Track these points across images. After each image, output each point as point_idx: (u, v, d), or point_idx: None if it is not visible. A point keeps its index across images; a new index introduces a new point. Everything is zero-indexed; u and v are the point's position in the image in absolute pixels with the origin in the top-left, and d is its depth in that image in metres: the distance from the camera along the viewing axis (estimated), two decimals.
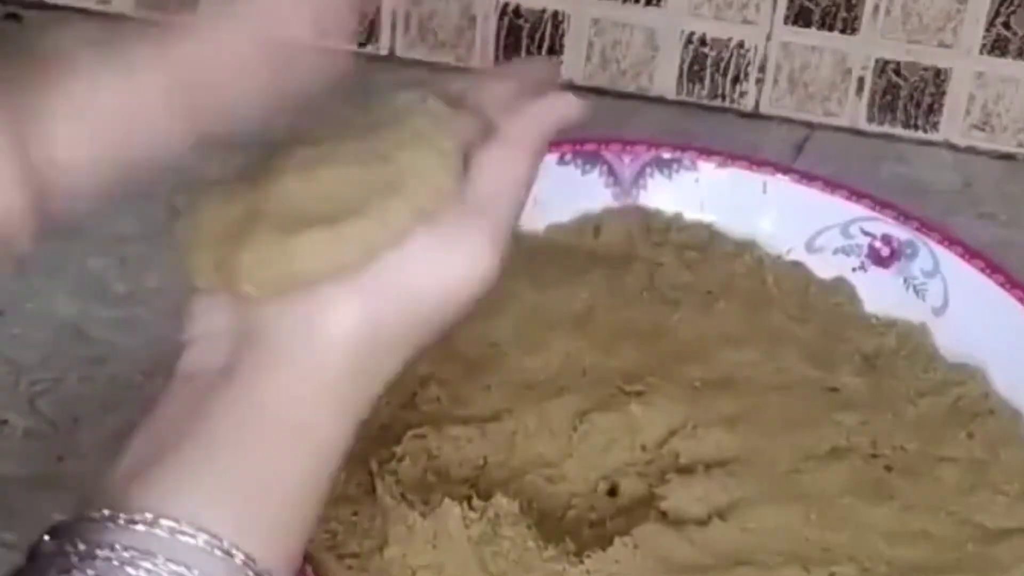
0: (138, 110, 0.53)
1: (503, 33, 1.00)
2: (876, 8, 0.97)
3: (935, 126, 0.99)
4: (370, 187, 0.55)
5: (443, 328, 0.55)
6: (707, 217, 0.86)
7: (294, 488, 0.52)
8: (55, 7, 1.03)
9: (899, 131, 1.00)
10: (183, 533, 0.49)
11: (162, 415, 0.53)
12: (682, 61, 1.00)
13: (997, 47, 0.97)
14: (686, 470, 0.72)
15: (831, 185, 0.85)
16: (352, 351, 0.53)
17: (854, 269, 0.84)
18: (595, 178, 0.86)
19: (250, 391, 0.52)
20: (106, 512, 0.49)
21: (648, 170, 0.86)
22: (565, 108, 0.59)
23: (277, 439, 0.52)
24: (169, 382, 0.54)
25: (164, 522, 0.49)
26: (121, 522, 0.49)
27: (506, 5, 1.00)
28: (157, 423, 0.53)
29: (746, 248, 0.85)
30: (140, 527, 0.49)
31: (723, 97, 1.01)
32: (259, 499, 0.51)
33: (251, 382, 0.52)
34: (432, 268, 0.54)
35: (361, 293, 0.53)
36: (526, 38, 1.01)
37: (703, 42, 0.99)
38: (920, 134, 1.00)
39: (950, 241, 0.82)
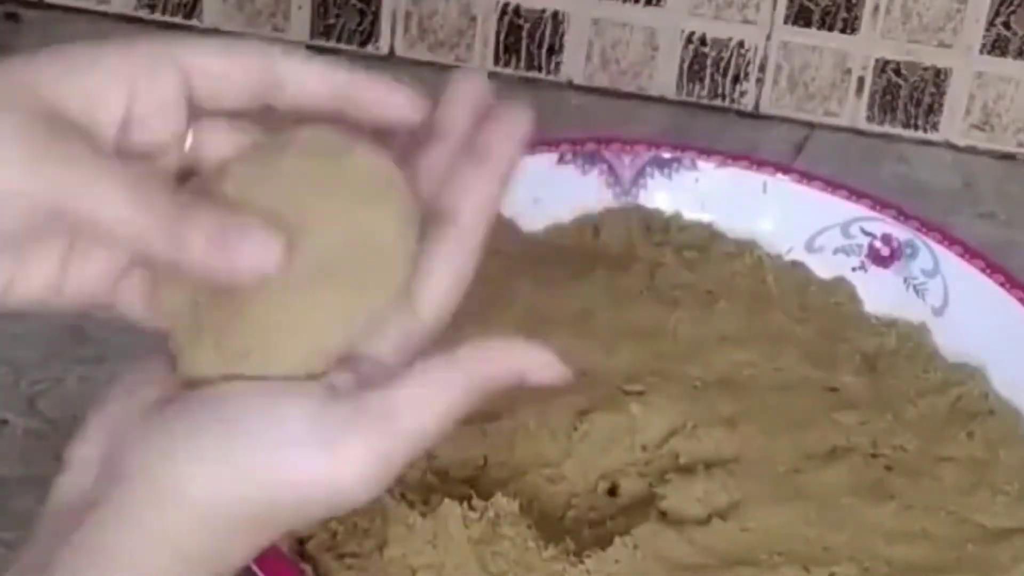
0: None
1: (503, 33, 1.00)
2: (876, 8, 0.97)
3: (935, 126, 1.00)
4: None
5: (302, 520, 0.51)
6: (707, 217, 0.86)
7: None
8: (55, 7, 1.03)
9: (899, 131, 1.00)
10: None
11: (32, 550, 0.50)
12: (682, 61, 1.00)
13: (997, 47, 0.97)
14: (686, 470, 0.72)
15: (831, 185, 0.85)
16: (207, 521, 0.49)
17: (854, 269, 0.84)
18: (595, 178, 0.86)
19: (102, 533, 0.49)
20: None
21: (648, 170, 0.86)
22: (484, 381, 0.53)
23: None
24: (43, 512, 0.51)
25: None
26: None
27: (506, 5, 1.00)
28: (27, 560, 0.50)
29: (746, 248, 0.85)
30: None
31: (723, 97, 1.01)
32: None
33: (103, 524, 0.49)
34: (297, 466, 0.49)
35: (223, 466, 0.49)
36: (526, 38, 1.01)
37: (703, 42, 0.99)
38: (920, 134, 1.00)
39: (950, 241, 0.82)
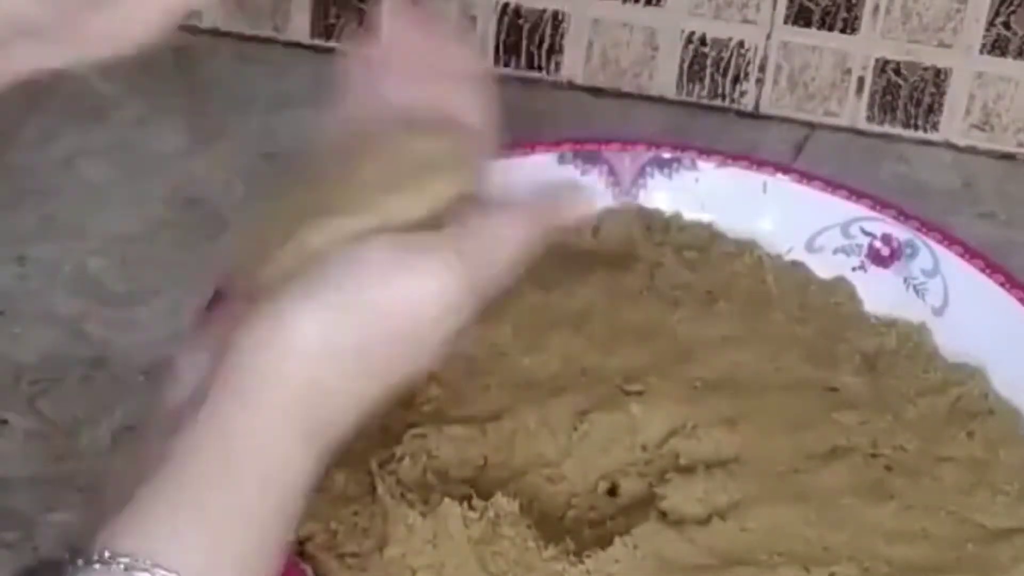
0: None
1: (503, 33, 1.00)
2: (876, 8, 0.97)
3: (935, 126, 1.00)
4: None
5: (408, 357, 0.54)
6: (707, 217, 0.86)
7: (259, 518, 0.52)
8: None
9: (899, 131, 1.00)
10: (139, 570, 0.49)
11: (146, 455, 0.53)
12: (682, 61, 1.00)
13: (997, 47, 0.97)
14: (686, 470, 0.72)
15: (831, 185, 0.85)
16: (313, 376, 0.52)
17: (854, 269, 0.84)
18: (595, 178, 0.86)
19: (212, 425, 0.51)
20: (66, 555, 0.50)
21: (648, 170, 0.86)
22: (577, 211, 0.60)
23: (239, 471, 0.51)
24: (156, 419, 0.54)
25: (121, 560, 0.49)
26: (80, 563, 0.49)
27: (506, 5, 1.00)
28: (142, 464, 0.52)
29: (746, 248, 0.85)
30: (97, 566, 0.49)
31: (723, 97, 1.01)
32: (224, 532, 0.51)
33: (213, 415, 0.52)
34: (396, 291, 0.53)
35: (320, 310, 0.52)
36: (526, 38, 1.01)
37: (703, 42, 0.99)
38: (920, 134, 1.00)
39: (950, 241, 0.82)
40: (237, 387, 0.52)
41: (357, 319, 0.52)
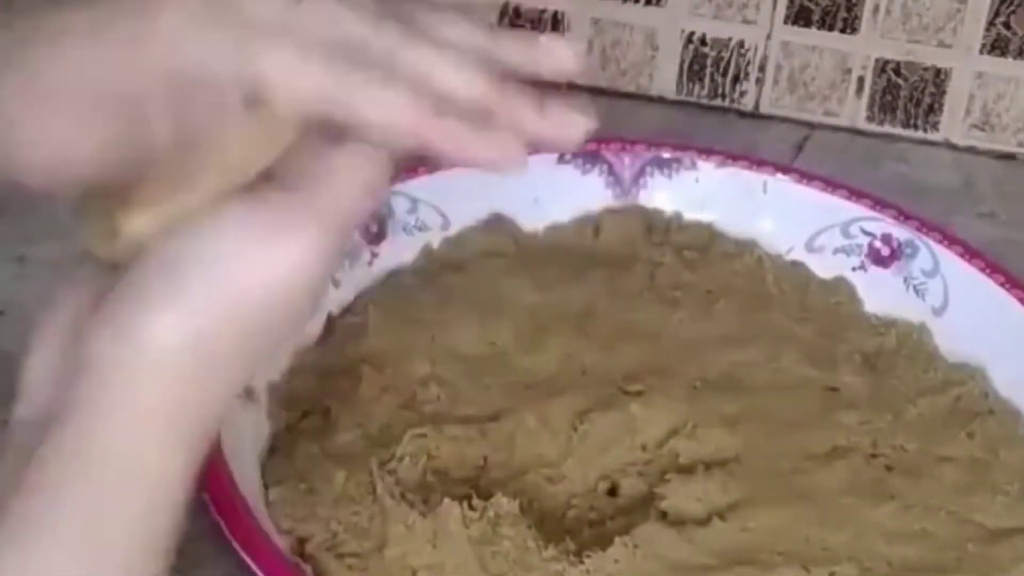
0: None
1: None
2: (876, 8, 0.97)
3: (935, 126, 1.00)
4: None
5: (279, 330, 0.50)
6: (707, 217, 0.86)
7: (132, 525, 0.48)
8: None
9: (899, 131, 1.00)
10: None
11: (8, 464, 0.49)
12: (682, 61, 1.00)
13: (997, 47, 0.97)
14: (686, 470, 0.72)
15: (831, 185, 0.85)
16: (177, 371, 0.48)
17: (854, 269, 0.84)
18: (595, 178, 0.86)
19: (75, 430, 0.48)
20: None
21: (648, 170, 0.86)
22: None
23: (106, 477, 0.48)
24: (5, 443, 0.50)
25: None
26: None
27: (507, 5, 1.00)
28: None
29: (746, 248, 0.85)
30: None
31: (723, 97, 1.01)
32: (97, 542, 0.48)
33: (75, 420, 0.48)
34: (253, 265, 0.48)
35: (180, 306, 0.48)
36: None
37: (703, 42, 0.99)
38: (920, 134, 1.00)
39: (950, 241, 0.82)
40: (92, 391, 0.48)
41: (221, 311, 0.48)
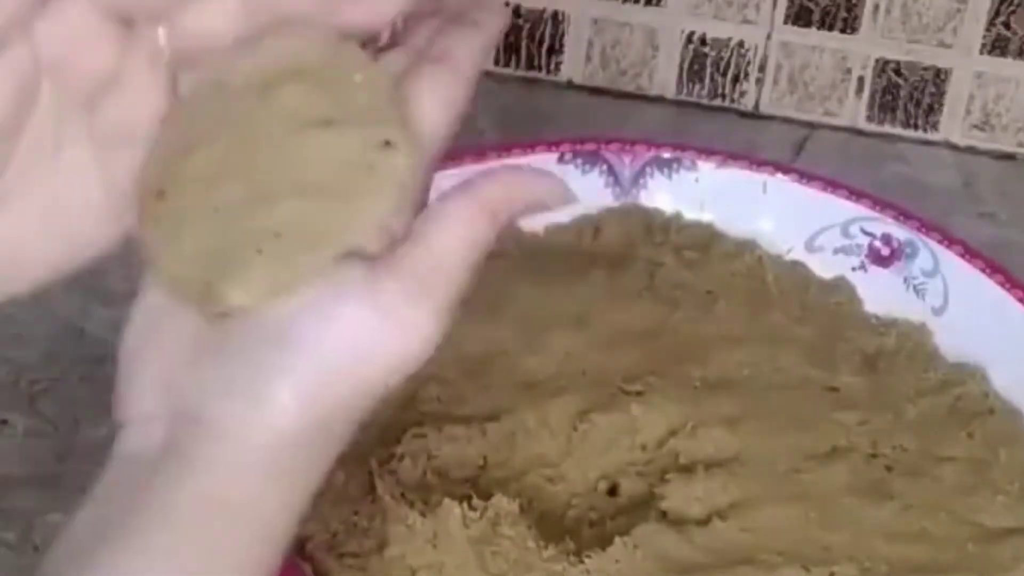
0: None
1: (503, 34, 1.00)
2: (876, 8, 0.97)
3: (935, 126, 1.00)
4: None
5: (382, 398, 0.51)
6: (707, 217, 0.86)
7: (236, 568, 0.49)
8: None
9: (899, 131, 1.00)
10: None
11: (103, 497, 0.50)
12: (682, 61, 1.00)
13: (997, 47, 0.97)
14: (686, 470, 0.72)
15: (831, 185, 0.85)
16: (296, 432, 0.49)
17: (854, 269, 0.84)
18: (595, 178, 0.86)
19: (191, 468, 0.49)
20: None
21: (648, 170, 0.86)
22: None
23: (218, 518, 0.49)
24: (105, 469, 0.51)
25: None
26: None
27: (506, 5, 1.00)
28: (97, 505, 0.50)
29: (746, 248, 0.85)
30: None
31: (723, 97, 1.01)
32: None
33: (191, 459, 0.49)
34: (375, 347, 0.49)
35: (305, 374, 0.49)
36: (526, 38, 1.01)
37: (703, 42, 0.99)
38: (920, 134, 1.00)
39: (950, 241, 0.82)
40: (212, 433, 0.49)
41: (341, 391, 0.49)
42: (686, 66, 1.00)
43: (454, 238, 0.51)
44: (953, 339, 0.80)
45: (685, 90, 1.01)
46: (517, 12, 1.00)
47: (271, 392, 0.49)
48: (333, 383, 0.49)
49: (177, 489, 0.48)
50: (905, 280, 0.83)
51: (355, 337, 0.49)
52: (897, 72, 0.98)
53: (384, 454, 0.71)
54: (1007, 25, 0.96)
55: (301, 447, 0.50)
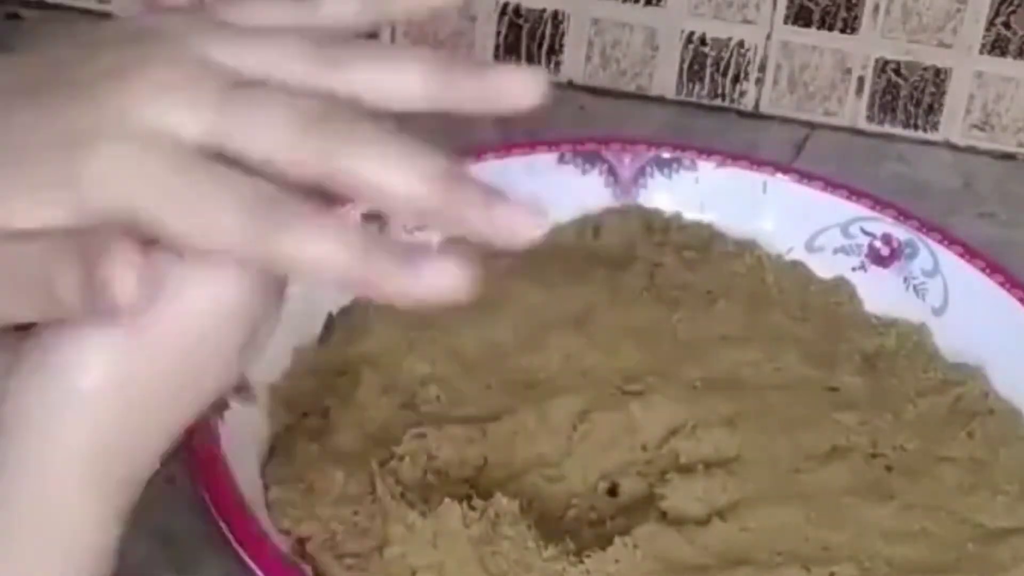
0: None
1: (503, 33, 1.00)
2: (876, 8, 0.97)
3: (935, 126, 0.99)
4: None
5: (209, 370, 0.46)
6: (707, 217, 0.86)
7: (49, 571, 0.45)
8: (55, 6, 1.03)
9: (899, 131, 1.00)
10: None
11: None
12: (682, 61, 1.00)
13: (997, 47, 0.97)
14: (686, 470, 0.72)
15: (831, 185, 0.85)
16: (103, 421, 0.45)
17: (854, 269, 0.84)
18: (595, 178, 0.86)
19: (9, 481, 0.44)
20: None
21: (648, 170, 0.86)
22: None
23: (22, 522, 0.45)
24: None
25: None
26: None
27: (506, 5, 1.00)
28: None
29: (746, 248, 0.85)
30: None
31: (723, 97, 1.01)
32: None
33: (7, 471, 0.45)
34: (186, 299, 0.44)
35: (106, 347, 0.44)
36: (526, 38, 1.00)
37: (703, 42, 0.99)
38: (920, 134, 1.00)
39: (950, 241, 0.82)
40: (13, 431, 0.45)
41: (144, 351, 0.45)
42: (686, 66, 1.00)
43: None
44: (953, 339, 0.80)
45: (685, 90, 1.01)
46: (517, 12, 1.00)
47: (69, 359, 0.44)
48: (139, 340, 0.44)
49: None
50: (905, 280, 0.83)
51: (168, 294, 0.44)
52: (897, 72, 0.98)
53: (384, 454, 0.71)
54: (1007, 25, 0.96)
55: (118, 419, 0.45)
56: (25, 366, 0.45)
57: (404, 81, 0.45)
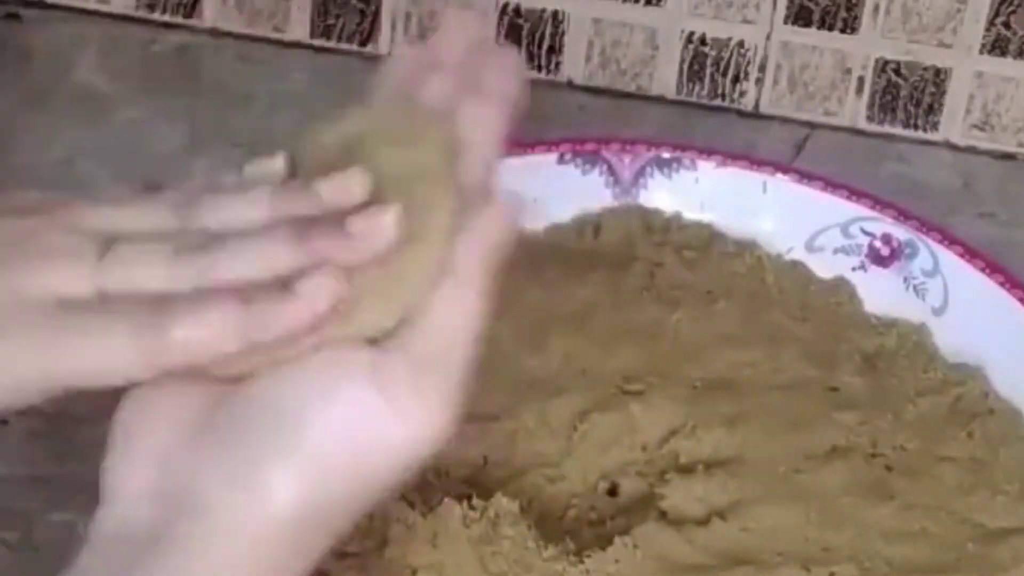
0: None
1: (503, 33, 1.00)
2: (876, 8, 0.97)
3: (935, 126, 0.99)
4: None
5: (386, 492, 0.49)
6: (707, 217, 0.86)
7: None
8: (55, 7, 1.03)
9: (899, 131, 1.00)
10: None
11: (81, 573, 0.48)
12: (682, 61, 1.00)
13: (997, 47, 0.97)
14: (686, 470, 0.72)
15: (831, 185, 0.85)
16: (293, 521, 0.47)
17: (854, 269, 0.84)
18: (595, 178, 0.86)
19: (180, 554, 0.47)
20: None
21: (648, 170, 0.86)
22: (505, 226, 0.52)
23: None
24: (89, 541, 0.49)
25: None
26: None
27: (506, 5, 1.00)
28: None
29: (746, 248, 0.85)
30: None
31: (723, 97, 1.01)
32: None
33: (183, 551, 0.47)
34: (381, 435, 0.48)
35: (304, 459, 0.47)
36: (526, 38, 1.01)
37: (703, 42, 0.99)
38: (920, 134, 1.00)
39: (950, 241, 0.82)
40: (206, 525, 0.47)
41: (339, 479, 0.48)
42: (686, 66, 1.00)
43: (463, 316, 0.50)
44: (953, 339, 0.80)
45: (685, 90, 1.01)
46: (517, 12, 1.00)
47: (267, 478, 0.47)
48: (332, 469, 0.47)
49: (161, 574, 0.47)
50: (905, 280, 0.83)
51: (358, 420, 0.47)
52: (897, 72, 0.98)
53: None
54: (1007, 25, 0.96)
55: (295, 538, 0.48)
56: (214, 472, 0.47)
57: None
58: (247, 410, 0.48)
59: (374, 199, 0.50)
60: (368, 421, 0.47)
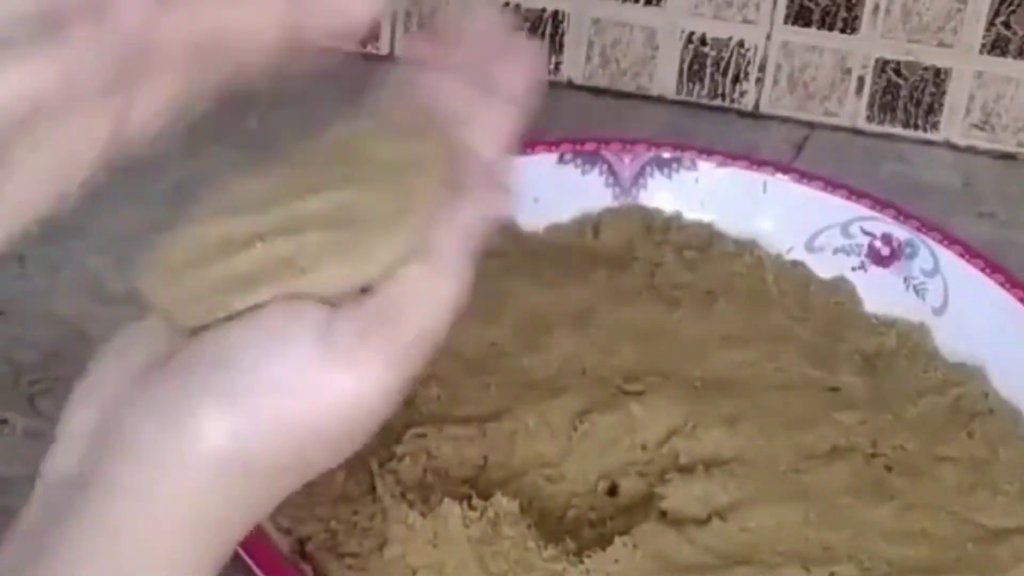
0: None
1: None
2: (876, 8, 0.97)
3: (935, 126, 1.00)
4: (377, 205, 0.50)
5: (320, 458, 0.48)
6: (707, 217, 0.86)
7: None
8: None
9: (899, 131, 1.00)
10: None
11: (26, 522, 0.48)
12: (682, 61, 1.00)
13: (997, 47, 0.97)
14: (686, 470, 0.72)
15: (831, 185, 0.85)
16: (227, 464, 0.46)
17: (854, 269, 0.84)
18: (595, 178, 0.86)
19: (105, 510, 0.46)
20: None
21: (648, 170, 0.86)
22: (492, 208, 0.50)
23: (124, 559, 0.46)
24: (35, 490, 0.49)
25: None
26: None
27: (506, 5, 1.00)
28: (22, 531, 0.48)
29: (746, 248, 0.85)
30: None
31: (723, 97, 1.01)
32: None
33: (103, 495, 0.46)
34: (320, 386, 0.47)
35: (236, 401, 0.46)
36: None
37: (703, 41, 0.99)
38: (920, 134, 1.00)
39: (950, 241, 0.82)
40: (129, 485, 0.46)
41: (274, 424, 0.46)
42: (686, 66, 1.00)
43: (426, 291, 0.48)
44: (953, 339, 0.80)
45: (685, 90, 1.01)
46: (517, 12, 1.00)
47: (197, 418, 0.46)
48: (265, 416, 0.46)
49: (92, 529, 0.46)
50: (905, 280, 0.83)
51: (297, 369, 0.46)
52: (897, 72, 0.99)
53: (384, 454, 0.71)
54: (1007, 25, 0.96)
55: (231, 486, 0.47)
56: (147, 411, 0.47)
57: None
58: (191, 357, 0.48)
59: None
60: (308, 372, 0.47)
